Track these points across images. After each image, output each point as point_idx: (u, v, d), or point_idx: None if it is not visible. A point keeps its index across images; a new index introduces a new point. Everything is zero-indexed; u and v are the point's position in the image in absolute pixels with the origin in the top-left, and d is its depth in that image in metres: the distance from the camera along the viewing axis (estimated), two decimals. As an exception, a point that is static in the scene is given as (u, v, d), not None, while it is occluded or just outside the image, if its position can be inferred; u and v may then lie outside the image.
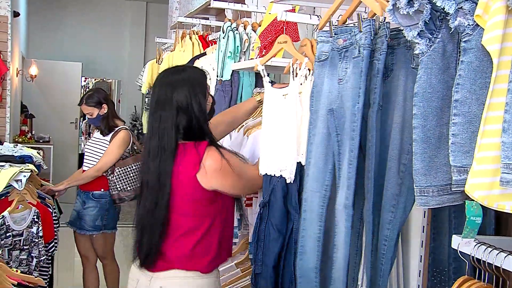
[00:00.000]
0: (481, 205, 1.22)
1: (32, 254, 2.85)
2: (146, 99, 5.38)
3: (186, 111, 1.97)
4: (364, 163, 1.70)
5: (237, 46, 3.09)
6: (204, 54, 3.77)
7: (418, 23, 1.33)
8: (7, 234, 2.63)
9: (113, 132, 3.77)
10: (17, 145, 3.68)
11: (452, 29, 1.27)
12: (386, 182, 1.67)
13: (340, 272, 1.78)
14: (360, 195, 1.75)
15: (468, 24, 1.21)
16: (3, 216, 2.66)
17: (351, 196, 1.70)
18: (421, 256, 1.89)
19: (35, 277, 2.27)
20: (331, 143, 1.81)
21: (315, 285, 1.90)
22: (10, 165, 3.04)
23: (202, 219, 2.02)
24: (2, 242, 2.61)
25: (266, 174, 2.17)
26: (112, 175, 3.71)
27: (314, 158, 1.87)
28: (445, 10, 1.25)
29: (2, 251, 2.61)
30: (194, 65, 3.58)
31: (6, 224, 2.66)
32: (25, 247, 2.81)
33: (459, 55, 1.27)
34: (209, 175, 1.97)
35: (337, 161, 1.78)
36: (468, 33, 1.21)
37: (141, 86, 5.45)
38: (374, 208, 1.71)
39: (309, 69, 2.07)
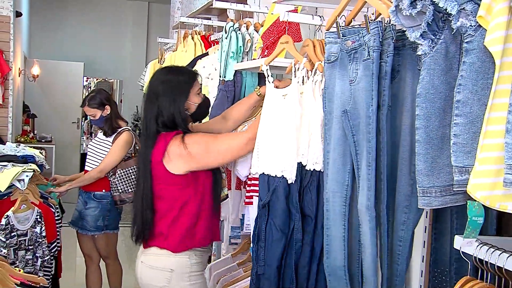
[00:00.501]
0: (483, 206, 1.22)
1: (36, 254, 2.86)
2: (148, 99, 5.38)
3: (164, 107, 2.22)
4: (377, 165, 1.71)
5: (240, 46, 3.10)
6: (206, 54, 3.77)
7: (420, 24, 1.33)
8: (12, 234, 2.63)
9: (116, 133, 3.76)
10: (19, 144, 3.68)
11: (454, 30, 1.28)
12: (398, 184, 1.67)
13: (370, 271, 1.78)
14: (377, 196, 1.76)
15: (470, 25, 1.21)
16: (7, 215, 2.66)
17: (372, 197, 1.70)
18: (423, 256, 1.90)
19: (39, 277, 2.28)
20: (348, 143, 1.81)
21: (345, 282, 1.90)
22: (12, 165, 3.04)
23: (173, 202, 2.24)
24: (7, 242, 2.61)
25: (263, 173, 2.18)
26: (113, 177, 3.71)
27: (332, 159, 1.88)
28: (447, 11, 1.25)
29: (7, 250, 2.61)
30: (196, 65, 3.59)
31: (11, 223, 2.66)
32: (30, 247, 2.82)
33: (461, 56, 1.28)
34: (174, 161, 2.20)
35: (355, 162, 1.78)
36: (470, 34, 1.22)
37: (143, 86, 5.45)
38: (388, 209, 1.72)
39: (308, 70, 2.08)
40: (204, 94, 2.40)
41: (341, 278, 1.92)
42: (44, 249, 2.92)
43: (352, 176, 1.85)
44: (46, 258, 2.93)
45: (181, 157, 2.18)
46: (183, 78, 2.30)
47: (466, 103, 1.23)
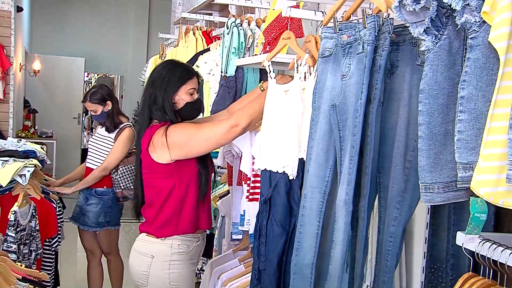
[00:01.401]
0: (486, 202, 1.22)
1: (31, 248, 2.86)
2: (149, 95, 5.37)
3: (156, 95, 2.33)
4: (362, 159, 1.71)
5: (241, 42, 3.10)
6: (208, 50, 3.76)
7: (424, 20, 1.32)
8: (17, 229, 2.63)
9: (118, 130, 3.75)
10: (20, 140, 3.68)
11: (459, 26, 1.27)
12: (391, 179, 1.67)
13: (337, 268, 1.78)
14: (358, 191, 1.76)
15: (474, 21, 1.20)
16: (14, 211, 2.66)
17: (351, 191, 1.70)
18: (424, 252, 1.89)
19: (40, 272, 2.28)
20: (333, 139, 1.81)
21: (309, 281, 1.90)
22: (14, 160, 3.04)
23: (159, 192, 2.34)
24: (15, 237, 2.61)
25: (265, 169, 2.18)
26: (116, 173, 3.71)
27: (315, 154, 1.88)
28: (451, 7, 1.25)
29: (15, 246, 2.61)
30: (197, 60, 3.59)
31: (17, 219, 2.66)
32: (26, 242, 2.82)
33: (465, 52, 1.27)
34: (157, 150, 2.28)
35: (338, 157, 1.78)
36: (474, 29, 1.21)
37: (144, 82, 5.44)
38: (380, 204, 1.72)
39: (310, 66, 2.08)
40: (199, 98, 2.46)
41: (306, 276, 1.92)
42: (37, 242, 2.93)
43: (333, 173, 1.84)
44: (39, 252, 2.94)
45: (164, 146, 2.25)
46: (178, 72, 2.37)
47: (470, 99, 1.22)
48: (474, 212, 1.21)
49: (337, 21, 1.81)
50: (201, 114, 2.87)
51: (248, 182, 2.60)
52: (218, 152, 2.90)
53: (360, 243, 1.76)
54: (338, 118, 1.77)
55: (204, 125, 2.36)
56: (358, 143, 1.68)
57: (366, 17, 1.66)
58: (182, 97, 2.36)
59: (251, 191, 2.56)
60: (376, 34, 1.64)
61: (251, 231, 2.51)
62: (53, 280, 3.34)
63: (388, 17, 1.63)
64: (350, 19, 1.84)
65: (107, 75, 11.88)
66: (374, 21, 1.64)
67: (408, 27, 1.39)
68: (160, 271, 2.34)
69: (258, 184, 2.51)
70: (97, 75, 12.28)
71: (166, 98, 2.32)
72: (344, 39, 1.76)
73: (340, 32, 1.79)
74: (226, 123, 2.26)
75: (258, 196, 2.51)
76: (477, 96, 1.22)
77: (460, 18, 1.23)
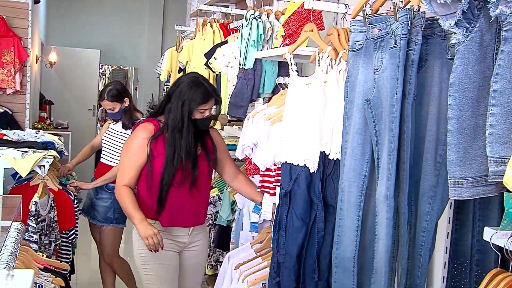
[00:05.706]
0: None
1: (50, 239, 2.87)
2: (165, 87, 5.37)
3: (171, 103, 2.52)
4: (399, 154, 1.69)
5: (260, 34, 3.08)
6: (225, 42, 3.75)
7: (455, 12, 1.30)
8: (38, 220, 2.65)
9: (134, 126, 3.67)
10: (39, 131, 3.69)
11: (493, 18, 1.25)
12: (423, 174, 1.65)
13: (381, 262, 1.77)
14: (397, 186, 1.74)
15: (510, 13, 1.18)
16: (35, 202, 2.67)
17: (392, 187, 1.69)
18: (446, 247, 1.88)
19: (61, 262, 2.29)
20: (368, 133, 1.79)
21: (352, 274, 1.89)
22: (33, 151, 3.06)
23: None
24: (35, 227, 2.62)
25: (286, 162, 2.17)
26: None
27: (351, 148, 1.87)
28: (486, -2, 1.22)
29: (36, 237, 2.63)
30: (215, 53, 3.57)
31: (37, 210, 2.68)
32: (46, 232, 2.84)
33: (498, 45, 1.25)
34: None
35: (375, 151, 1.77)
36: (509, 21, 1.19)
37: (159, 74, 5.43)
38: (410, 199, 1.71)
39: (332, 58, 2.06)
40: (209, 116, 2.57)
41: (348, 270, 1.91)
42: (56, 233, 2.94)
43: (370, 166, 1.84)
44: (58, 242, 2.96)
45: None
46: (197, 96, 2.49)
47: (503, 92, 1.20)
48: (509, 208, 1.19)
49: (366, 14, 1.79)
50: (218, 108, 2.96)
51: (262, 172, 2.60)
52: (236, 145, 2.89)
53: (402, 238, 1.74)
54: (373, 113, 1.75)
55: (124, 167, 2.58)
56: (397, 138, 1.67)
57: (397, 10, 1.64)
58: (193, 115, 2.52)
59: (271, 185, 2.55)
60: (408, 28, 1.61)
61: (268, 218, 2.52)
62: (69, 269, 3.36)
63: (419, 10, 1.61)
64: (378, 12, 1.82)
65: (121, 67, 11.90)
66: (406, 14, 1.62)
67: (437, 19, 1.37)
68: (135, 246, 2.59)
69: (267, 178, 2.51)
70: (111, 67, 12.30)
71: (176, 109, 2.50)
72: (375, 33, 1.74)
73: (371, 25, 1.77)
74: (122, 187, 2.52)
75: (274, 191, 2.50)
76: (511, 90, 1.20)
77: (494, 10, 1.21)
